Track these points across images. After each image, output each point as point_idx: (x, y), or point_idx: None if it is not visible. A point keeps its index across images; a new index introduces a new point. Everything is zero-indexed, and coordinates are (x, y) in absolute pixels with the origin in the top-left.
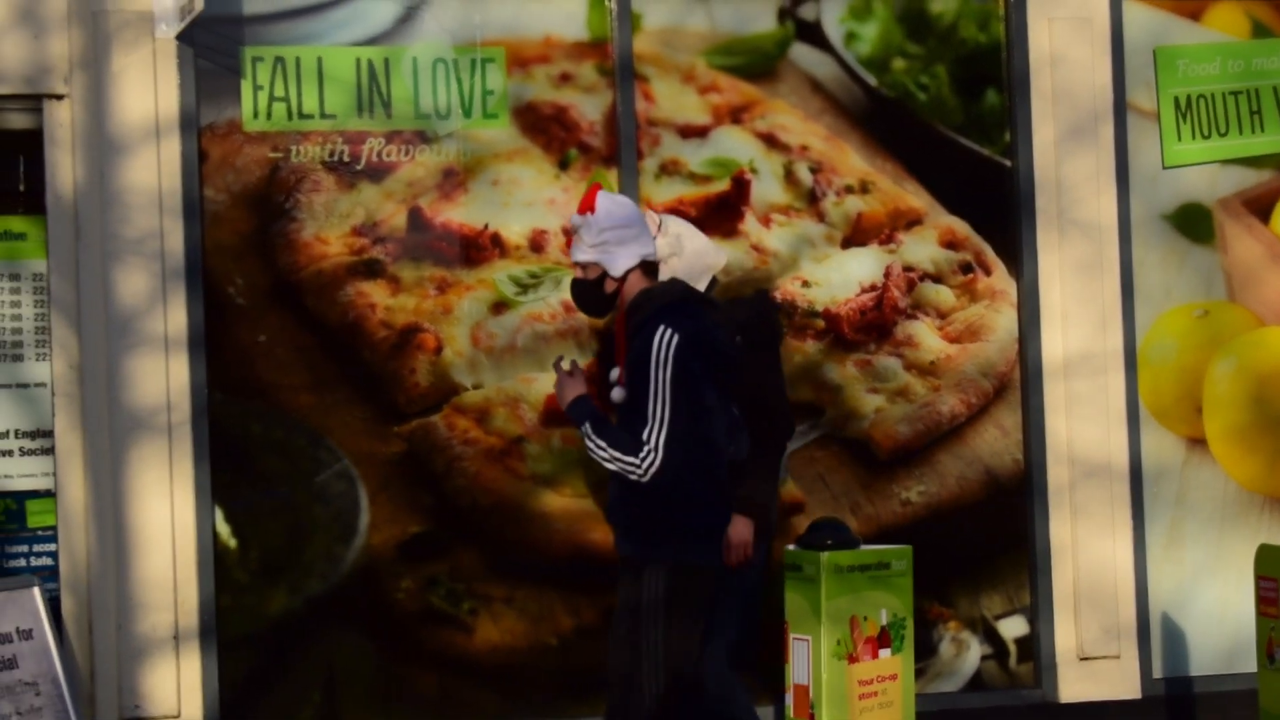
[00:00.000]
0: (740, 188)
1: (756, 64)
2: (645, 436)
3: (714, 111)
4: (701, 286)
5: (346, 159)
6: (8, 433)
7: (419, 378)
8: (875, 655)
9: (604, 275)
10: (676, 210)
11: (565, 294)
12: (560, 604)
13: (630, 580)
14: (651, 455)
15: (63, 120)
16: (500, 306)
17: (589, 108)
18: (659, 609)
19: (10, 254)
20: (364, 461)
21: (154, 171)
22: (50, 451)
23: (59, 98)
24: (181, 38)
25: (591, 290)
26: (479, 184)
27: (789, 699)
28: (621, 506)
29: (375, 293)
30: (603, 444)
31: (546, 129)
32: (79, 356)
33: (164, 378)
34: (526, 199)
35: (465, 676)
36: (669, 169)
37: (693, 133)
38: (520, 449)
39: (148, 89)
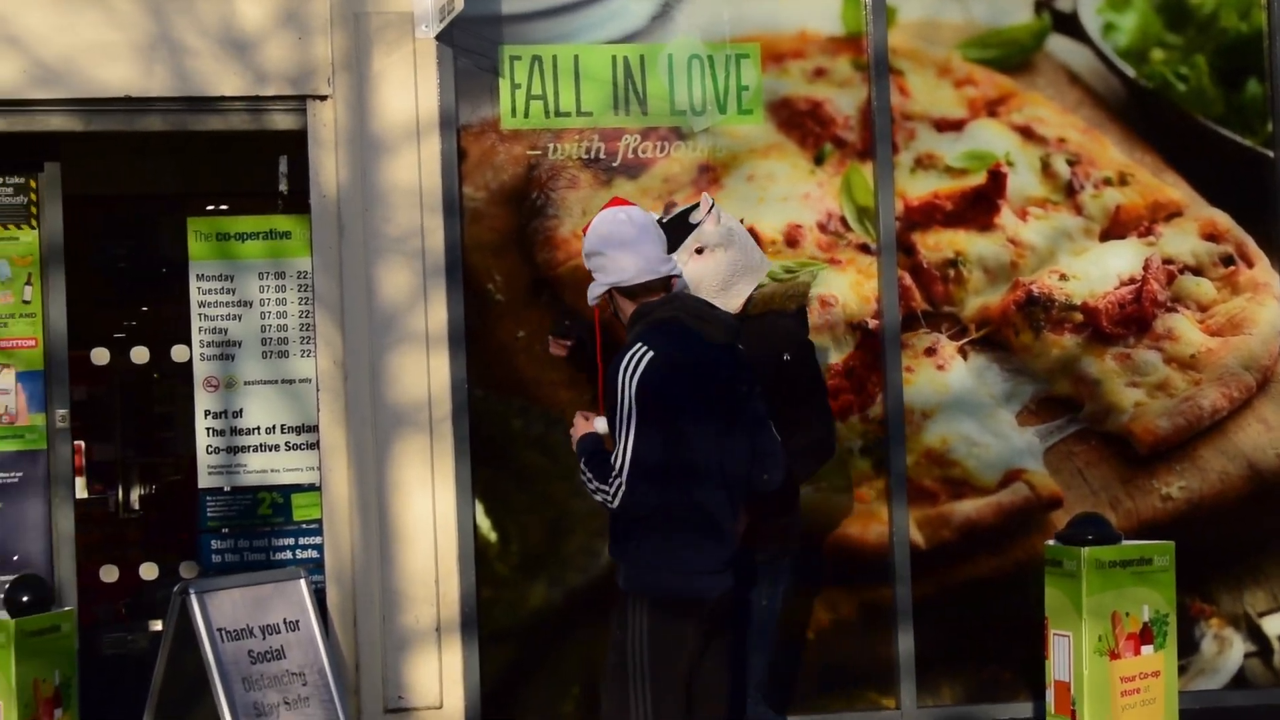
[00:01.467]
0: (997, 181)
1: (1013, 56)
2: (613, 461)
3: (970, 105)
4: (744, 291)
5: (603, 156)
6: (274, 428)
7: None
8: (1137, 652)
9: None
10: (930, 204)
11: (821, 289)
12: (817, 598)
13: (619, 613)
14: (618, 480)
15: (326, 120)
16: None
17: (844, 102)
18: (642, 646)
19: (276, 252)
20: None
21: (414, 170)
22: (315, 446)
23: (322, 98)
24: (441, 38)
25: (603, 316)
26: (734, 179)
27: (1050, 695)
28: (613, 538)
29: None
30: (587, 474)
31: (801, 124)
32: (343, 353)
33: (425, 374)
34: (781, 194)
35: None
36: (924, 163)
37: (948, 126)
38: None
39: (408, 89)
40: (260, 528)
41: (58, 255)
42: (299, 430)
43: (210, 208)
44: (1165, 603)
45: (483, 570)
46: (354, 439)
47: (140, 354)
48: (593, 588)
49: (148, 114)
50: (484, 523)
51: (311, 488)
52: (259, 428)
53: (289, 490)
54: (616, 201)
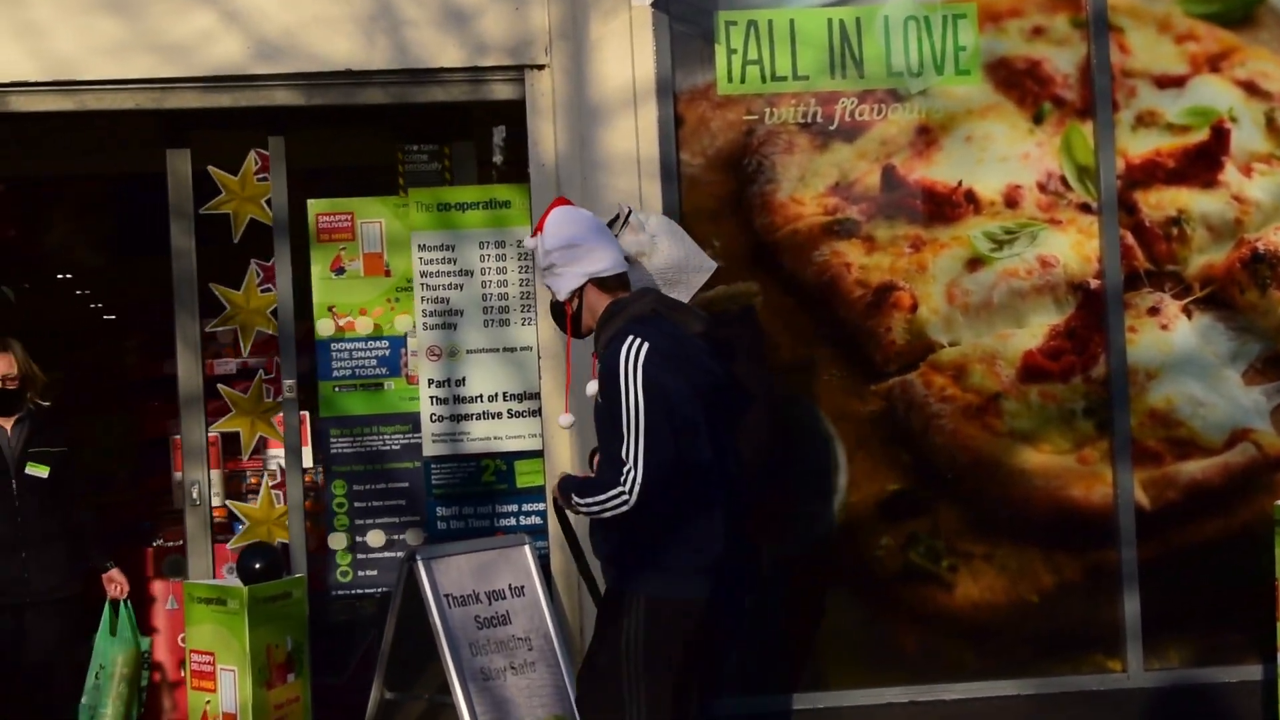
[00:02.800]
0: (1220, 137)
1: (1235, 11)
2: (623, 454)
3: (1191, 60)
4: (683, 294)
5: (819, 119)
6: (496, 395)
7: (895, 336)
8: None
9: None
10: (1152, 162)
11: (1042, 249)
12: (1041, 561)
13: (609, 611)
14: (632, 472)
15: (544, 89)
16: (975, 263)
17: (1063, 61)
18: (638, 646)
19: (496, 221)
20: (842, 420)
21: (632, 137)
22: (537, 413)
23: (540, 68)
24: (657, 4)
25: (560, 311)
26: (952, 141)
27: None
28: (603, 535)
29: (850, 252)
30: (587, 500)
31: (1020, 83)
32: None
33: None
34: (1000, 154)
35: (945, 634)
36: (1146, 120)
37: (1169, 83)
38: (998, 405)
39: (625, 56)
40: (484, 495)
41: (283, 229)
42: (521, 398)
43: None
44: None
45: None
46: (576, 406)
47: (365, 325)
48: (814, 553)
49: (368, 87)
50: None
51: (534, 454)
52: (481, 395)
53: (512, 457)
54: (562, 201)
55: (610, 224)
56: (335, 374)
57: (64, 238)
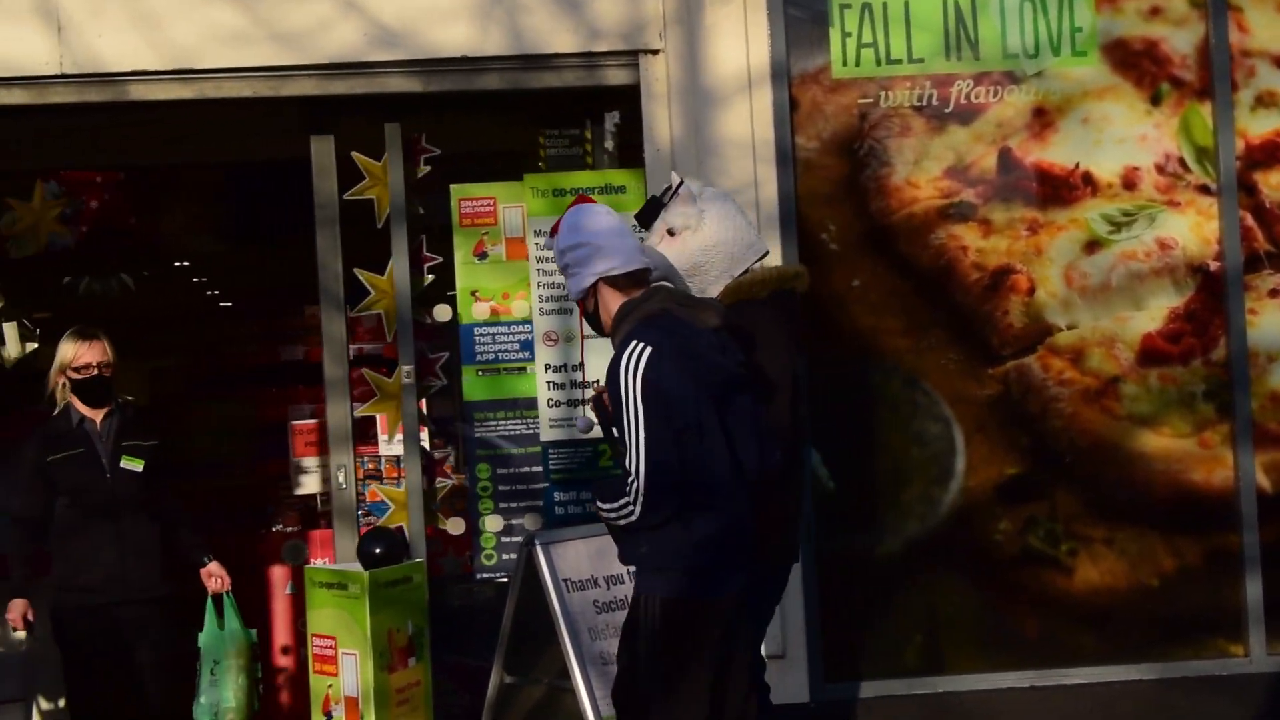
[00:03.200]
0: None
1: None
2: (628, 465)
3: None
4: (724, 276)
5: (934, 102)
6: (600, 380)
7: (1012, 319)
8: None
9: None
10: (1272, 142)
11: (1160, 231)
12: (1161, 545)
13: (630, 614)
14: (634, 485)
15: (659, 74)
16: (1093, 246)
17: (1180, 41)
18: (657, 648)
19: (612, 206)
20: (959, 403)
21: (747, 121)
22: None
23: (654, 52)
24: None
25: (585, 312)
26: (1069, 122)
27: None
28: (622, 542)
29: (967, 235)
30: (603, 507)
31: (1137, 64)
32: None
33: None
34: (1118, 136)
35: (1064, 618)
36: (1265, 101)
37: None
38: (1117, 389)
39: (739, 40)
40: (602, 479)
41: (400, 214)
42: None
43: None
44: None
45: (822, 519)
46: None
47: (481, 310)
48: (932, 537)
49: (484, 73)
50: (823, 472)
51: None
52: (598, 380)
53: None
54: (582, 199)
55: (662, 194)
56: (478, 358)
57: (183, 225)
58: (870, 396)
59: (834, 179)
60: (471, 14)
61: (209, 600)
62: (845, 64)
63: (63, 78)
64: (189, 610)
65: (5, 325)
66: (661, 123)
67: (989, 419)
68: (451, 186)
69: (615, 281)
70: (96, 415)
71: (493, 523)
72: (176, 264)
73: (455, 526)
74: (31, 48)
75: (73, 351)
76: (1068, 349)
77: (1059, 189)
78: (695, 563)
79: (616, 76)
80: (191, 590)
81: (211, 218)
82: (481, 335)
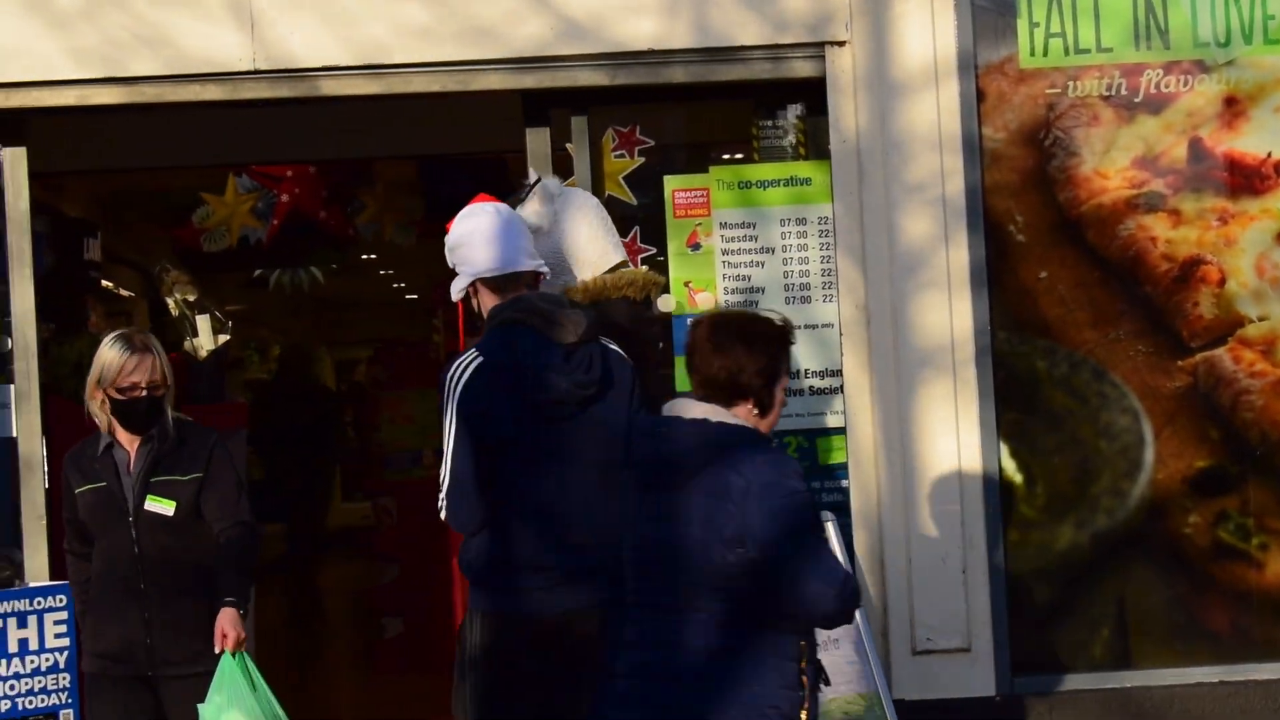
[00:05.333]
0: None
1: None
2: (440, 475)
3: None
4: (564, 277)
5: (1123, 91)
6: (798, 372)
7: (1202, 310)
8: None
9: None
10: None
11: None
12: None
13: (463, 626)
14: (440, 495)
15: (845, 66)
16: None
17: None
18: (477, 660)
19: (797, 199)
20: (1148, 396)
21: (933, 112)
22: (839, 390)
23: (841, 44)
24: None
25: (468, 313)
26: (1261, 111)
27: None
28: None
29: (1156, 226)
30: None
31: None
32: (865, 297)
33: (948, 316)
34: None
35: (1255, 613)
36: None
37: None
38: None
39: (926, 31)
40: None
41: None
42: (823, 375)
43: (725, 156)
44: None
45: (1009, 512)
46: (878, 383)
47: (666, 303)
48: (1121, 531)
49: (670, 66)
50: (1009, 464)
51: (837, 431)
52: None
53: (814, 434)
54: (482, 198)
55: (519, 190)
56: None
57: (372, 218)
58: (1058, 389)
59: (1021, 170)
60: (659, 7)
61: (222, 660)
62: (1033, 54)
63: (255, 74)
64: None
65: (198, 318)
66: (848, 115)
67: (1178, 411)
68: (665, 178)
69: (491, 284)
70: (132, 441)
71: None
72: (365, 256)
73: None
74: (225, 45)
75: (117, 364)
76: (1259, 340)
77: (1250, 179)
78: (508, 579)
79: (802, 69)
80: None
81: (401, 210)
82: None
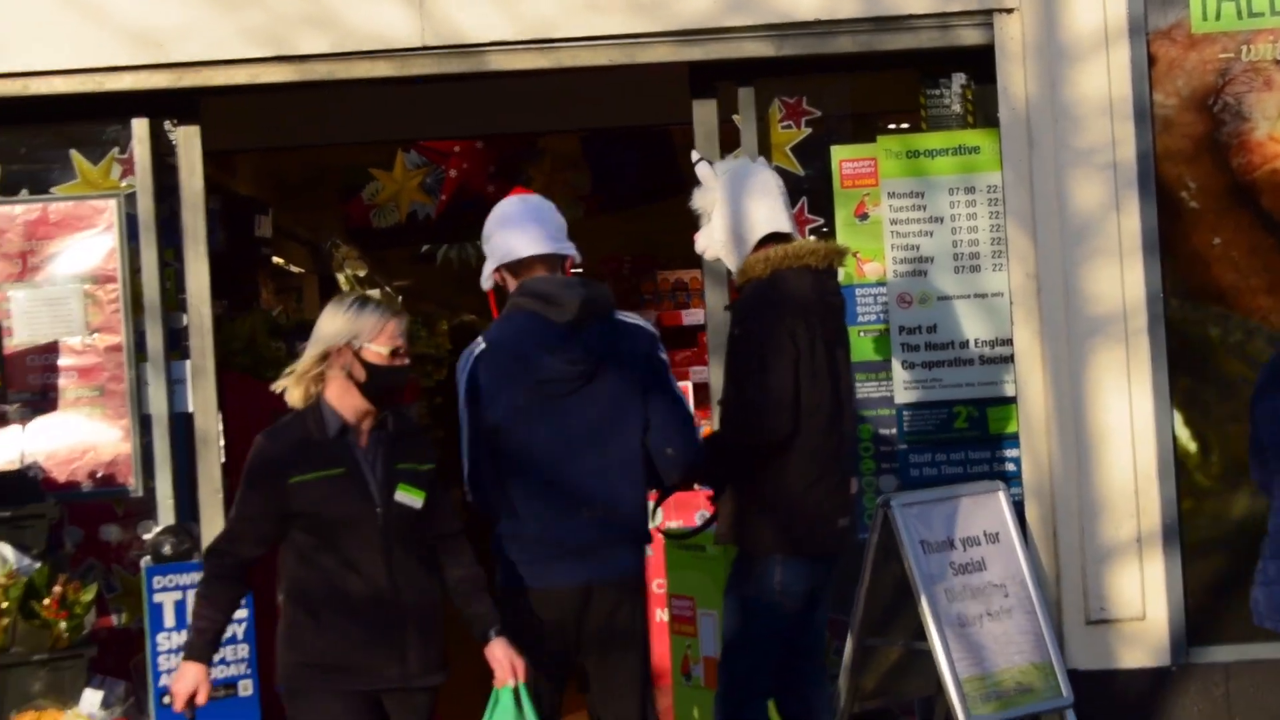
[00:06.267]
0: None
1: None
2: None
3: None
4: (739, 254)
5: None
6: (968, 342)
7: None
8: None
9: None
10: None
11: None
12: None
13: None
14: (462, 471)
15: (1013, 33)
16: None
17: None
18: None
19: (965, 167)
20: None
21: (1103, 79)
22: (1009, 359)
23: (1009, 11)
24: None
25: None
26: None
27: None
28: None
29: None
30: None
31: None
32: (1035, 265)
33: (1119, 284)
34: None
35: None
36: None
37: None
38: None
39: None
40: (956, 441)
41: None
42: (993, 344)
43: (891, 126)
44: None
45: (1183, 481)
46: (1049, 351)
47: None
48: None
49: (837, 36)
50: (1183, 432)
51: (1007, 400)
52: (953, 342)
53: (984, 404)
54: (517, 191)
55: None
56: (860, 319)
57: (539, 191)
58: (1232, 356)
59: (1193, 135)
60: None
61: (495, 694)
62: (1205, 18)
63: (424, 50)
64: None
65: (369, 293)
66: (1016, 82)
67: None
68: (832, 148)
69: (511, 270)
70: (363, 424)
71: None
72: None
73: (887, 485)
74: (394, 21)
75: (379, 324)
76: None
77: None
78: (518, 554)
79: (970, 36)
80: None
81: (567, 184)
82: (863, 296)
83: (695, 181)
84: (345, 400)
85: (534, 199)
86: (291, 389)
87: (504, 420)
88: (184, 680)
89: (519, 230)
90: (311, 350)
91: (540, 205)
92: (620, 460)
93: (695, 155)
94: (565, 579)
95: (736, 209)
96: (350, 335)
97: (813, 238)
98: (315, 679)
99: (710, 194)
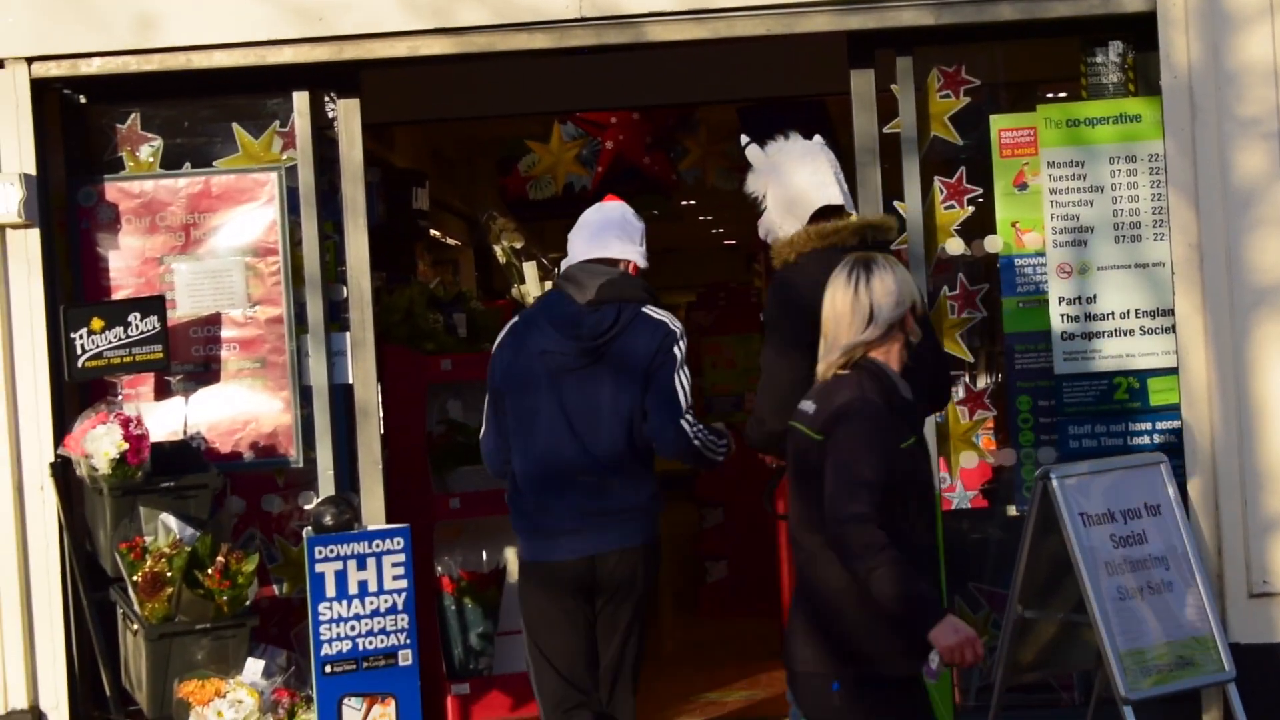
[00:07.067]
0: None
1: None
2: None
3: None
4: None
5: None
6: (1128, 312)
7: None
8: None
9: None
10: None
11: None
12: None
13: None
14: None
15: (1177, 0)
16: None
17: None
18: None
19: (1126, 136)
20: None
21: (1269, 46)
22: (1171, 330)
23: None
24: None
25: None
26: None
27: None
28: None
29: None
30: None
31: None
32: (1198, 235)
33: None
34: None
35: None
36: None
37: None
38: None
39: None
40: (1117, 413)
41: (911, 146)
42: (1154, 314)
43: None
44: None
45: None
46: (1211, 322)
47: (993, 243)
48: None
49: (997, 3)
50: None
51: (1168, 372)
52: (1113, 313)
53: (1145, 375)
54: (610, 198)
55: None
56: (1019, 290)
57: (695, 163)
58: None
59: None
60: None
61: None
62: None
63: (582, 21)
64: None
65: (525, 265)
66: (1179, 49)
67: None
68: (991, 117)
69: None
70: None
71: (1006, 456)
72: (685, 202)
73: (968, 460)
74: None
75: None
76: None
77: None
78: (521, 524)
79: (1132, 3)
80: None
81: (723, 155)
82: (1022, 266)
83: (852, 153)
84: (893, 365)
85: (611, 206)
86: (833, 367)
87: (503, 384)
88: (957, 633)
89: (586, 235)
90: (872, 329)
91: (609, 214)
92: (613, 441)
93: (744, 139)
94: (565, 554)
95: (786, 188)
96: (911, 297)
97: (858, 213)
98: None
99: (761, 177)
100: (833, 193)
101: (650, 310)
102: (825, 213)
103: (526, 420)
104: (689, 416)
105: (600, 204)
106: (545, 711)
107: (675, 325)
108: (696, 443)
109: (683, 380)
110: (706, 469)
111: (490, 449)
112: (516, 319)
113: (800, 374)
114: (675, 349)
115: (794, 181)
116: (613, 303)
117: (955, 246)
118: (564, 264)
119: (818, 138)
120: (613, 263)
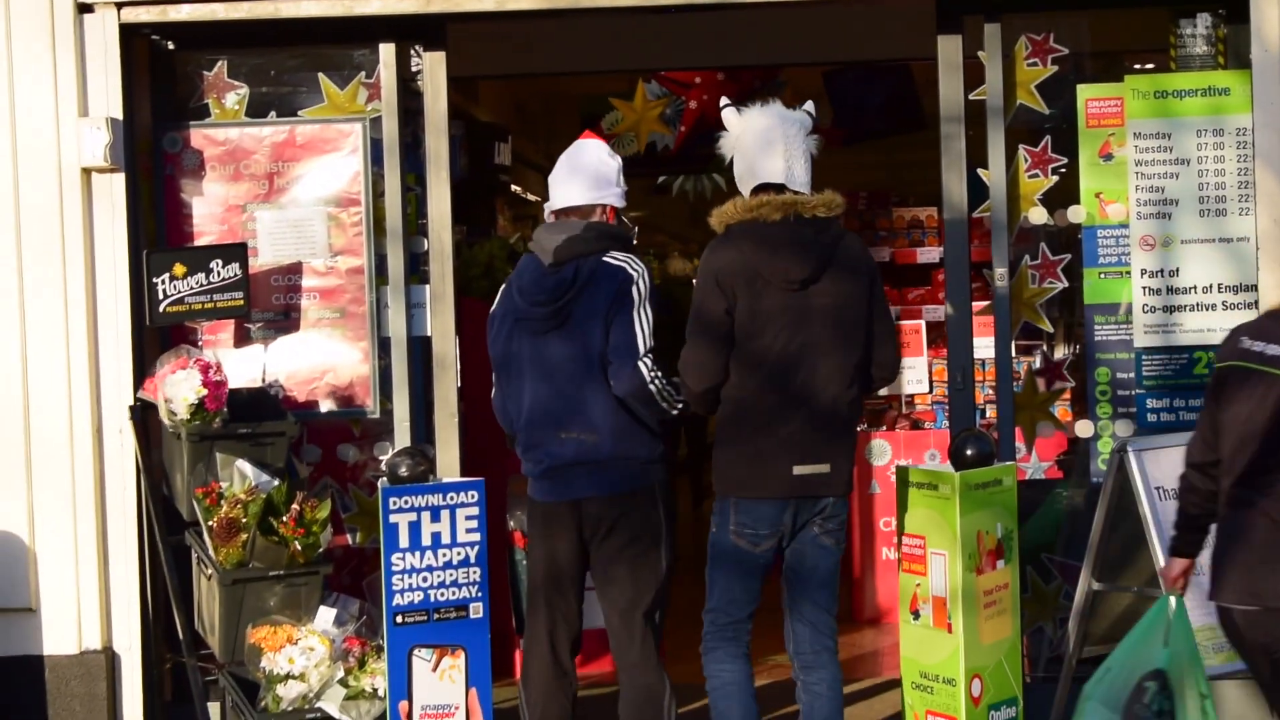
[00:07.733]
0: None
1: None
2: None
3: None
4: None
5: None
6: (1210, 286)
7: None
8: None
9: None
10: None
11: None
12: None
13: None
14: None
15: None
16: None
17: None
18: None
19: (1214, 109)
20: None
21: None
22: (1253, 305)
23: None
24: None
25: None
26: None
27: None
28: None
29: None
30: None
31: None
32: None
33: None
34: None
35: None
36: None
37: None
38: None
39: None
40: (1196, 387)
41: (997, 114)
42: (1236, 289)
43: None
44: None
45: None
46: None
47: (1076, 214)
48: None
49: None
50: None
51: None
52: (1195, 286)
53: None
54: (587, 134)
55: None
56: (1101, 261)
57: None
58: None
59: None
60: None
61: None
62: None
63: None
64: None
65: None
66: (1270, 22)
67: None
68: (1078, 87)
69: (558, 215)
70: None
71: (1083, 428)
72: None
73: (1045, 431)
74: None
75: None
76: None
77: None
78: (526, 468)
79: None
80: None
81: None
82: (1105, 237)
83: (937, 120)
84: None
85: (584, 147)
86: None
87: (492, 349)
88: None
89: (557, 183)
90: None
91: (580, 157)
92: (594, 394)
93: (723, 101)
94: (557, 495)
95: (742, 156)
96: None
97: (795, 192)
98: None
99: (730, 140)
100: (773, 168)
101: (609, 258)
102: (778, 187)
103: (517, 382)
104: (648, 360)
105: (572, 148)
106: (526, 692)
107: (635, 267)
108: (652, 387)
109: (643, 322)
110: (660, 416)
111: (498, 407)
112: (505, 284)
113: (713, 337)
114: (634, 290)
115: (747, 152)
116: (571, 260)
117: (1038, 216)
118: (549, 208)
119: (782, 109)
120: (588, 211)
